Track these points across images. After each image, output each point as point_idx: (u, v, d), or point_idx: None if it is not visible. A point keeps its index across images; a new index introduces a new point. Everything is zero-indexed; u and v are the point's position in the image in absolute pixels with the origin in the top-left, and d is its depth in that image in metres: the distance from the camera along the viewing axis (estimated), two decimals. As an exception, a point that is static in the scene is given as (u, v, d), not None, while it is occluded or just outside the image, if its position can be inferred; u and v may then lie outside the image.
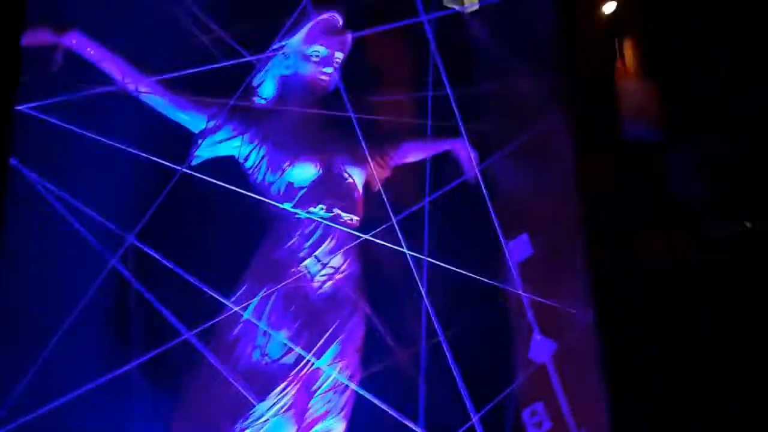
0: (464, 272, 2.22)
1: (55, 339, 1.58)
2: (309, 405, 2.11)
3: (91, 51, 2.05)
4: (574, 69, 2.71)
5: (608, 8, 3.52)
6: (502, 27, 2.77)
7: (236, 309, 2.00)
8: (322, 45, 2.39)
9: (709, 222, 2.97)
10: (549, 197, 2.63)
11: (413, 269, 2.09)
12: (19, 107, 1.60)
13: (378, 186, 2.52)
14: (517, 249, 2.70)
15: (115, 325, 1.88)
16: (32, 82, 1.77)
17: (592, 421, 2.30)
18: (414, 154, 2.65)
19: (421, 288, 2.07)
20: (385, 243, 2.11)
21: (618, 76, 3.63)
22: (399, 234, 2.06)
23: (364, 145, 2.29)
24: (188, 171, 1.89)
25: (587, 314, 2.41)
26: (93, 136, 1.80)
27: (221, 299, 1.89)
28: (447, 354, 2.04)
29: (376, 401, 2.02)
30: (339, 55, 2.45)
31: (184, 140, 2.21)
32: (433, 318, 2.05)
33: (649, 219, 2.85)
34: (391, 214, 2.06)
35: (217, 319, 1.93)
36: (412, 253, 2.08)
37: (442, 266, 2.22)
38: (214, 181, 1.93)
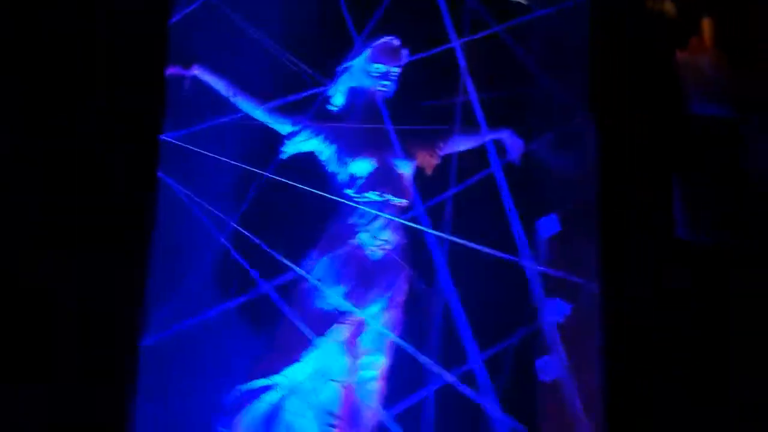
0: (479, 247, 2.83)
1: (185, 287, 2.58)
2: (358, 341, 2.91)
3: (210, 80, 2.91)
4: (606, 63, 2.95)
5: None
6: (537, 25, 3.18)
7: (303, 273, 2.84)
8: (381, 63, 3.05)
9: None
10: (577, 183, 3.07)
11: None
12: (163, 137, 2.40)
13: (429, 172, 3.19)
14: (545, 226, 3.22)
15: (223, 283, 2.83)
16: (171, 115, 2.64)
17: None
18: (464, 143, 3.26)
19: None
20: (415, 225, 2.83)
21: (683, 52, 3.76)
22: (425, 217, 2.77)
23: (410, 144, 2.99)
24: (271, 176, 2.74)
25: (593, 285, 2.88)
26: (214, 156, 2.76)
27: (290, 265, 2.75)
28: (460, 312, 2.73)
29: (405, 345, 2.79)
30: (396, 70, 3.10)
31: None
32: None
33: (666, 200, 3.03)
34: (419, 200, 2.76)
35: (291, 278, 2.82)
36: (436, 233, 2.77)
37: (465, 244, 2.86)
38: (291, 182, 2.77)
